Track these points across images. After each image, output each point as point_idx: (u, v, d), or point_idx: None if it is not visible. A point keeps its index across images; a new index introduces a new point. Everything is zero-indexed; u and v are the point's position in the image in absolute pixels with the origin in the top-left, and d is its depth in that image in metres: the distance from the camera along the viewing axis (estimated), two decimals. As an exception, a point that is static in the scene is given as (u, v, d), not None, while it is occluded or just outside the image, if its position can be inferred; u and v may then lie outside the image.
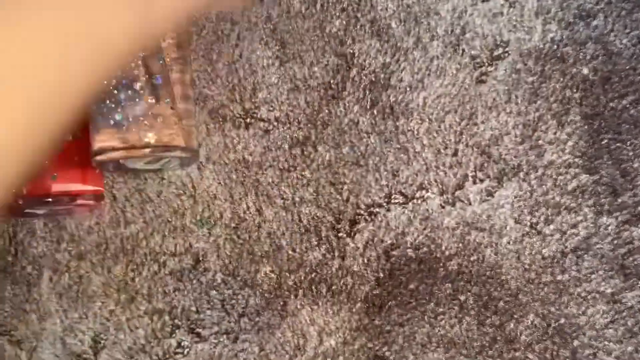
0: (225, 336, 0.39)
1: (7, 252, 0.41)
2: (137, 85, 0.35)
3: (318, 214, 0.39)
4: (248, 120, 0.40)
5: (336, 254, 0.39)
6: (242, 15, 0.40)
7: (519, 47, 0.38)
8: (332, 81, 0.40)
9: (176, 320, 0.40)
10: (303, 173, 0.40)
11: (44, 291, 0.40)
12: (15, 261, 0.41)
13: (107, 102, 0.35)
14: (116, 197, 0.41)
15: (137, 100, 0.35)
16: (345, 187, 0.39)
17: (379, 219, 0.38)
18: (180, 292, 0.40)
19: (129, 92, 0.35)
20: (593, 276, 0.37)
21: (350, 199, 0.39)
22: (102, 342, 0.40)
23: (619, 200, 0.37)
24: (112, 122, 0.35)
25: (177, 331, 0.40)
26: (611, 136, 0.38)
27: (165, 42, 0.37)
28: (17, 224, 0.41)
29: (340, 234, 0.39)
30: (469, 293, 0.38)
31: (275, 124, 0.40)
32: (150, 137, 0.36)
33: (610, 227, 0.37)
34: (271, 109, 0.40)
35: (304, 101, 0.40)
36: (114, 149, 0.36)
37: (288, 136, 0.40)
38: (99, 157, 0.36)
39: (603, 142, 0.38)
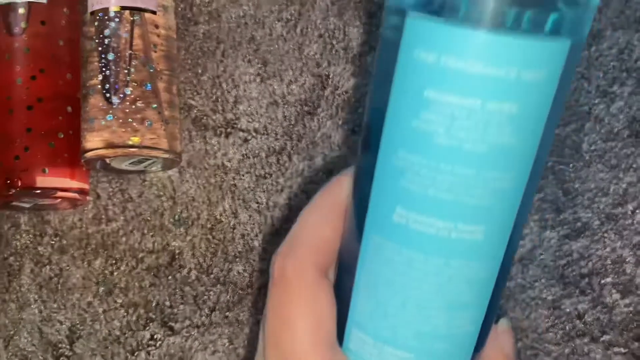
0: (196, 330, 0.42)
1: (-9, 243, 0.43)
2: (129, 90, 0.38)
3: (290, 219, 0.42)
4: (228, 129, 0.43)
5: (304, 256, 0.42)
6: (228, 35, 0.44)
7: (477, 77, 0.43)
8: (308, 98, 0.43)
9: (150, 314, 0.42)
10: (278, 180, 0.43)
11: (24, 282, 0.42)
12: (-2, 252, 0.43)
13: (100, 104, 0.38)
14: (100, 195, 0.43)
15: (127, 103, 0.38)
16: (316, 195, 0.42)
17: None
18: (156, 287, 0.42)
19: (121, 95, 0.38)
20: (536, 284, 0.41)
21: (320, 206, 0.42)
22: (79, 332, 0.42)
23: (561, 216, 0.41)
24: (102, 122, 0.38)
25: (150, 324, 0.42)
26: (555, 159, 0.42)
27: (156, 53, 0.40)
28: (2, 217, 0.43)
29: (309, 238, 0.42)
30: (424, 296, 0.41)
31: (254, 134, 0.43)
32: (137, 139, 0.39)
33: (552, 241, 0.41)
34: (251, 120, 0.43)
35: (282, 115, 0.43)
36: (102, 148, 0.39)
37: (265, 146, 0.43)
38: (87, 155, 0.39)
39: (548, 164, 0.42)
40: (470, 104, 0.19)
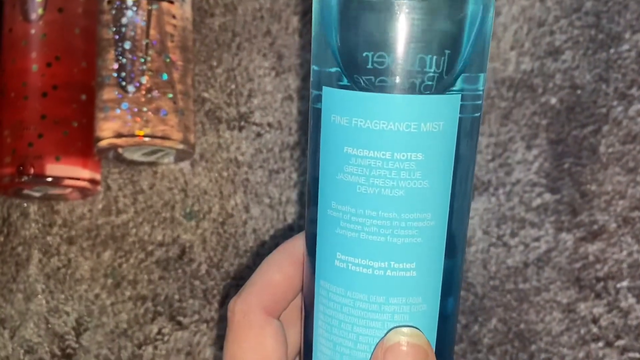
0: (205, 324, 0.41)
1: (0, 232, 0.42)
2: (144, 79, 0.38)
3: (302, 214, 0.42)
4: (242, 123, 0.43)
5: (316, 253, 0.41)
6: (244, 28, 0.44)
7: (494, 76, 0.42)
8: (322, 94, 0.43)
9: (159, 307, 0.41)
10: (291, 175, 0.42)
11: (32, 272, 0.42)
12: (6, 241, 0.42)
13: (115, 92, 0.38)
14: (110, 186, 0.43)
15: (143, 92, 0.38)
16: (329, 191, 0.42)
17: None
18: (165, 281, 0.42)
19: (136, 84, 0.38)
20: (551, 287, 0.40)
21: (333, 202, 0.42)
22: (85, 324, 0.41)
23: (578, 218, 0.41)
24: (117, 111, 0.38)
25: (158, 318, 0.41)
26: (572, 160, 0.41)
27: (172, 43, 0.40)
28: (12, 206, 0.43)
29: (321, 235, 0.42)
30: (437, 296, 0.40)
31: (268, 128, 0.43)
32: (151, 129, 0.38)
33: (568, 243, 0.41)
34: (265, 114, 0.43)
35: (296, 109, 0.43)
36: (116, 137, 0.38)
37: (279, 140, 0.43)
38: (101, 144, 0.39)
39: (565, 166, 0.41)
40: (381, 156, 0.22)
